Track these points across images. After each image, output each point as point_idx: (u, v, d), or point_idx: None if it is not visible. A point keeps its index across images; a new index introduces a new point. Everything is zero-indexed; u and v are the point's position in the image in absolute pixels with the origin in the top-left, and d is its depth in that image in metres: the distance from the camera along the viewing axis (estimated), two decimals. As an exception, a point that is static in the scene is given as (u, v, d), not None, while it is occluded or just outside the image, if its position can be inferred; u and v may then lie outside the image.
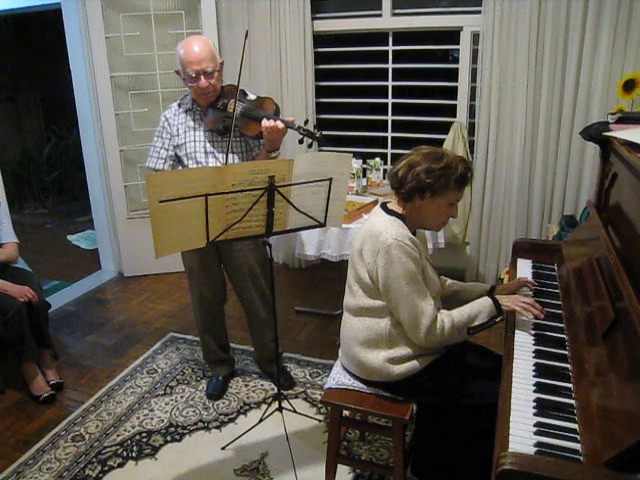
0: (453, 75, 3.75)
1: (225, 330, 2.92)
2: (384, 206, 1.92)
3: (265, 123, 2.31)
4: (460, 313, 1.83)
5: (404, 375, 1.87)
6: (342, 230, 2.86)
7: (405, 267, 1.76)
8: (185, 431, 2.59)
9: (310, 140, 2.33)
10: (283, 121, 2.32)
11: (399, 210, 1.88)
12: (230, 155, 2.48)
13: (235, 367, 3.02)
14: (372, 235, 1.82)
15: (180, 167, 2.55)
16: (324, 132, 3.66)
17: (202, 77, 2.36)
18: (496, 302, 1.83)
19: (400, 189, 1.84)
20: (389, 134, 4.03)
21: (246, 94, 2.50)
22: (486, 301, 1.85)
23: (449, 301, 2.09)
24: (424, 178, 1.77)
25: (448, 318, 1.81)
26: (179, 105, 2.54)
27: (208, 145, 2.50)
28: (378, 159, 3.49)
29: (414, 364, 1.87)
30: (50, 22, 4.73)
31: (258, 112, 2.39)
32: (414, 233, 1.91)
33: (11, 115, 6.78)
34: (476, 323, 1.82)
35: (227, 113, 2.41)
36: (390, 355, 1.87)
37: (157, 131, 2.55)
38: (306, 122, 2.32)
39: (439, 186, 1.78)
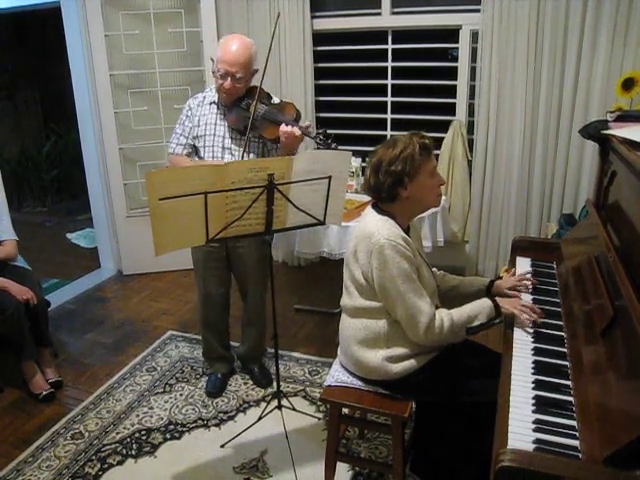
0: (452, 73, 3.75)
1: (227, 328, 2.93)
2: (375, 205, 1.93)
3: (283, 128, 2.34)
4: (460, 313, 1.84)
5: (402, 374, 1.87)
6: (341, 228, 2.86)
7: (399, 267, 1.77)
8: (184, 429, 2.59)
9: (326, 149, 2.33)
10: (301, 128, 2.34)
11: (390, 209, 1.89)
12: (246, 155, 2.51)
13: (235, 364, 3.03)
14: (365, 236, 1.83)
15: (197, 157, 2.59)
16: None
17: (229, 79, 2.39)
18: (496, 304, 1.84)
19: (381, 194, 1.86)
20: (388, 132, 4.03)
21: (271, 97, 2.54)
22: (486, 302, 1.86)
23: (448, 295, 2.10)
24: (394, 169, 1.79)
25: (448, 317, 1.82)
26: (204, 97, 2.57)
27: (227, 141, 2.52)
28: (377, 157, 3.48)
29: (412, 363, 1.87)
30: (49, 20, 4.72)
31: (278, 116, 2.41)
32: (408, 229, 1.92)
33: (10, 113, 6.77)
34: (475, 323, 1.83)
35: (248, 113, 2.43)
36: (388, 354, 1.87)
37: (180, 118, 2.59)
38: (323, 132, 2.34)
39: (410, 167, 1.79)
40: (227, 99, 2.48)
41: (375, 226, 1.82)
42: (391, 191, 1.83)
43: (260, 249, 2.65)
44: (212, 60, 2.48)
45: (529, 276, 2.06)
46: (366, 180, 1.91)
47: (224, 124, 2.53)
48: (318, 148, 2.34)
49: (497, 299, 1.86)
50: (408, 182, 1.81)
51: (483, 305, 1.85)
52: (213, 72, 2.46)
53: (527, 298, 1.94)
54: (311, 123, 2.39)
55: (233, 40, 2.41)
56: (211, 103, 2.55)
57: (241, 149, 2.49)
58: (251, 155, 2.54)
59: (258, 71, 2.49)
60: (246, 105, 2.47)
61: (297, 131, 2.33)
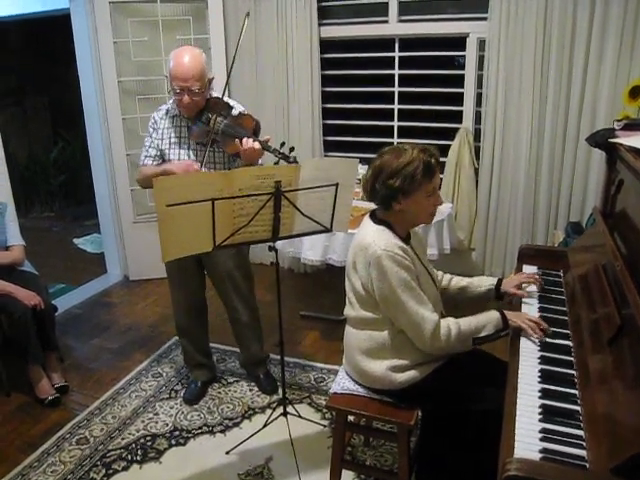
0: (459, 81, 3.76)
1: (206, 335, 2.92)
2: (373, 215, 1.92)
3: (243, 143, 2.31)
4: (467, 322, 1.84)
5: (407, 383, 1.87)
6: (348, 235, 2.86)
7: (398, 276, 1.76)
8: (190, 435, 2.59)
9: (285, 163, 2.29)
10: (260, 142, 2.33)
11: (386, 217, 1.88)
12: (212, 166, 2.51)
13: (239, 371, 3.03)
14: (362, 247, 1.83)
15: None
16: (330, 138, 3.64)
17: (185, 94, 2.36)
18: (504, 316, 1.84)
19: (375, 200, 1.86)
20: (395, 140, 4.03)
21: (231, 107, 2.50)
22: (494, 314, 1.86)
23: (456, 298, 2.09)
24: (392, 183, 1.77)
25: (455, 325, 1.81)
26: (167, 110, 2.55)
27: (191, 153, 2.52)
28: (384, 165, 3.48)
29: (417, 372, 1.87)
30: (58, 27, 4.76)
31: (237, 130, 2.38)
32: (408, 237, 1.91)
33: (18, 119, 6.81)
34: (482, 334, 1.83)
35: (209, 128, 2.41)
36: (393, 364, 1.87)
37: (147, 131, 2.59)
38: (282, 145, 2.32)
39: (407, 186, 1.77)
40: (188, 113, 2.46)
41: (372, 237, 1.82)
42: (384, 201, 1.83)
43: (236, 258, 2.64)
44: (167, 77, 2.44)
45: (536, 276, 2.06)
46: (365, 180, 1.89)
47: (186, 137, 2.51)
48: (279, 161, 2.30)
49: (505, 312, 1.86)
50: (402, 198, 1.79)
51: (491, 317, 1.85)
52: (169, 91, 2.43)
53: (534, 306, 1.93)
54: (270, 137, 2.38)
55: (181, 54, 2.36)
56: (173, 117, 2.53)
57: (205, 161, 2.47)
58: (217, 165, 2.52)
59: (214, 79, 2.48)
60: (206, 119, 2.42)
61: (257, 145, 2.31)
